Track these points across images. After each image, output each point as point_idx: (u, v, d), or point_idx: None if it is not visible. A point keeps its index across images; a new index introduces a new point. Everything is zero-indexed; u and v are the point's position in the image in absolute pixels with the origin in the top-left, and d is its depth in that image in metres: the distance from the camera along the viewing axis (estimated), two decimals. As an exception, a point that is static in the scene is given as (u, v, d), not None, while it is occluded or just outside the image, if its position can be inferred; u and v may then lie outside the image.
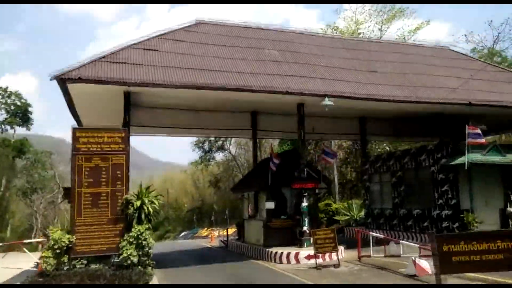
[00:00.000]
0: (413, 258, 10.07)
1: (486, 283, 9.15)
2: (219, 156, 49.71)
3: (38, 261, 11.75)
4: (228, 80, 13.97)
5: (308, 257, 13.69)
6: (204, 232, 42.16)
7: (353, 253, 14.42)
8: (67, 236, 11.53)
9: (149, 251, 11.88)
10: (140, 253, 11.74)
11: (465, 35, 34.14)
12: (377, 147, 33.40)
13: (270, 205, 16.09)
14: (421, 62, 19.76)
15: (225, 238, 21.74)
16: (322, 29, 35.68)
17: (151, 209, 12.20)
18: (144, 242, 11.74)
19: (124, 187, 12.33)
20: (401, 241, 12.13)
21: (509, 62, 33.46)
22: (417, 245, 11.38)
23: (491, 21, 56.10)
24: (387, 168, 20.43)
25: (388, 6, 37.45)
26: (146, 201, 12.15)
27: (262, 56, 16.25)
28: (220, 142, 47.39)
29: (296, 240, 15.28)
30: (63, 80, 11.94)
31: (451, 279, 8.73)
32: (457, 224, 16.48)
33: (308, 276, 11.48)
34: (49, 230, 11.89)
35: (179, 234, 50.74)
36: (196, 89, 13.39)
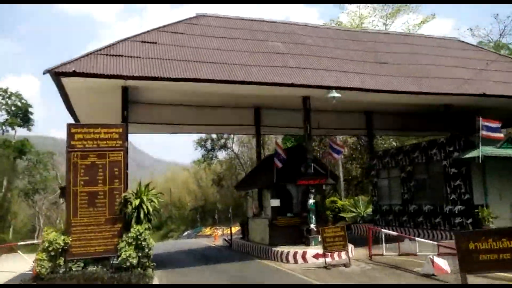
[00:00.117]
0: (430, 256, 9.43)
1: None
2: (221, 154, 49.32)
3: (33, 263, 11.18)
4: (230, 72, 13.34)
5: (316, 256, 13.07)
6: (207, 231, 41.72)
7: (362, 251, 13.81)
8: (62, 237, 10.94)
9: (149, 252, 11.27)
10: (140, 254, 11.14)
11: (471, 29, 33.22)
12: (383, 142, 32.74)
13: (276, 202, 15.47)
14: (430, 53, 19.06)
15: (229, 237, 21.15)
16: (325, 23, 34.98)
17: (150, 208, 11.60)
18: (143, 243, 11.13)
19: (122, 185, 11.72)
20: (416, 238, 11.44)
21: (517, 55, 32.66)
22: (433, 243, 10.71)
23: (497, 14, 55.20)
24: (395, 163, 19.80)
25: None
26: (145, 199, 11.55)
27: (265, 48, 15.59)
28: (223, 141, 46.97)
29: (303, 238, 14.67)
30: (57, 74, 11.33)
31: (475, 279, 8.09)
32: (470, 220, 15.90)
33: (317, 276, 10.85)
34: (43, 231, 11.28)
35: (182, 233, 50.39)
36: (197, 82, 12.74)
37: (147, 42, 13.62)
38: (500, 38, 35.84)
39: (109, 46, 12.75)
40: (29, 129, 43.65)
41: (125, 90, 13.31)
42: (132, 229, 11.26)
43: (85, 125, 12.16)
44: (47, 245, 10.77)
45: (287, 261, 13.34)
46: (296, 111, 17.45)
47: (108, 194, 11.56)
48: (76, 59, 11.68)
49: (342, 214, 26.70)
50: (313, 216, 14.41)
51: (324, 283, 9.99)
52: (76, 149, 11.37)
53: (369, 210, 24.81)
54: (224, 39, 15.47)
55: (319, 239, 13.83)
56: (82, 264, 11.07)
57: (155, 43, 13.74)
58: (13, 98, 42.03)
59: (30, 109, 42.94)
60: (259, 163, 20.62)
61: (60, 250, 10.87)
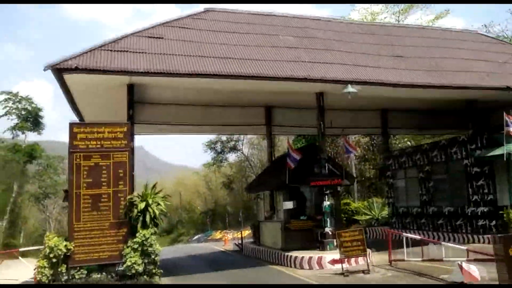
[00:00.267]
0: (459, 262, 8.60)
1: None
2: (231, 157, 48.82)
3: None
4: (240, 68, 12.66)
5: (333, 261, 12.27)
6: (217, 234, 41.12)
7: (381, 257, 12.98)
8: (64, 243, 10.29)
9: (156, 258, 10.60)
10: (146, 261, 10.47)
11: (485, 25, 32.15)
12: (397, 142, 31.77)
13: (289, 205, 14.73)
14: (449, 46, 18.18)
15: (240, 241, 20.44)
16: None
17: (157, 212, 10.93)
18: (149, 249, 10.47)
19: (127, 188, 11.06)
20: (442, 242, 10.59)
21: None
22: (462, 247, 9.86)
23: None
24: (413, 162, 18.92)
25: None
26: (152, 202, 10.89)
27: (276, 43, 14.90)
28: (233, 143, 46.48)
29: (317, 242, 13.89)
30: (58, 70, 10.78)
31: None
32: (494, 222, 15.00)
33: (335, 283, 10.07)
34: (45, 237, 10.68)
35: (192, 237, 49.94)
36: (205, 77, 12.09)
37: (153, 37, 13.02)
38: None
39: (114, 41, 12.17)
40: (39, 133, 43.55)
41: (130, 88, 12.71)
42: (137, 234, 10.61)
43: (88, 124, 11.59)
44: (48, 251, 10.13)
45: (301, 267, 12.57)
46: (309, 110, 16.78)
47: (112, 197, 10.91)
48: (79, 55, 11.10)
49: (356, 217, 25.85)
50: (328, 219, 13.63)
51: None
52: (78, 150, 10.75)
53: (384, 212, 23.94)
54: (233, 34, 14.83)
55: (335, 243, 13.09)
56: (85, 272, 10.43)
57: (162, 38, 13.14)
58: (23, 102, 41.93)
59: (40, 113, 42.79)
60: (270, 164, 19.92)
61: (62, 256, 10.21)
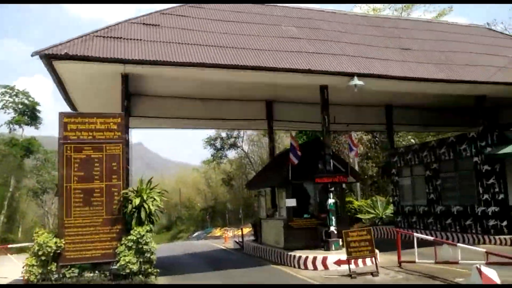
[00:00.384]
0: (477, 265, 7.98)
1: None
2: (231, 153, 48.24)
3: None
4: (240, 58, 12.02)
5: (338, 262, 11.66)
6: (217, 231, 40.65)
7: (389, 257, 12.38)
8: (54, 240, 9.72)
9: (151, 257, 10.01)
10: (141, 259, 9.89)
11: (488, 23, 31.56)
12: (401, 140, 31.14)
13: (292, 202, 14.09)
14: (457, 40, 17.52)
15: (240, 239, 19.85)
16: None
17: (153, 208, 10.33)
18: (145, 247, 9.89)
19: (121, 182, 10.46)
20: (458, 244, 9.96)
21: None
22: (479, 249, 9.24)
23: (516, 7, 52.94)
24: (419, 160, 18.30)
25: None
26: (147, 198, 10.30)
27: (278, 33, 14.24)
28: (232, 139, 45.90)
29: (321, 242, 13.29)
30: (48, 57, 10.14)
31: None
32: (505, 223, 14.43)
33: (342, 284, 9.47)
34: (34, 233, 10.08)
35: (192, 233, 49.54)
36: (203, 67, 11.43)
37: (149, 25, 12.36)
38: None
39: (107, 27, 11.52)
40: (36, 128, 42.95)
41: (125, 78, 12.08)
42: (132, 231, 10.04)
43: (79, 114, 10.99)
44: (37, 248, 9.56)
45: (305, 268, 11.97)
46: (311, 105, 16.19)
47: (105, 191, 10.32)
48: (70, 41, 10.45)
49: (359, 215, 25.26)
50: (333, 218, 13.01)
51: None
52: (69, 141, 10.13)
53: (388, 211, 23.35)
54: (233, 23, 14.18)
55: (340, 243, 12.51)
56: (77, 270, 9.83)
57: (158, 25, 12.48)
58: (20, 96, 41.33)
59: (37, 107, 42.19)
60: (271, 160, 19.31)
61: (52, 254, 9.65)
